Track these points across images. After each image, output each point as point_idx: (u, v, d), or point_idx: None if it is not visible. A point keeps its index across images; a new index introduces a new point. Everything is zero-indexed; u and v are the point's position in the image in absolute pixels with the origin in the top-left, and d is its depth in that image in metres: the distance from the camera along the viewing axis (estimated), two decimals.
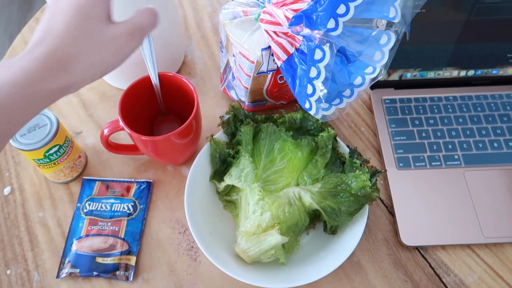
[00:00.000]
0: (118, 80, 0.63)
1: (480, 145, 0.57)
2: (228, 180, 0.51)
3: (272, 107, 0.62)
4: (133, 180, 0.57)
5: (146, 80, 0.53)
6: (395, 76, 0.61)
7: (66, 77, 0.32)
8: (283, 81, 0.55)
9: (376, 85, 0.62)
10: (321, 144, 0.52)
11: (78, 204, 0.55)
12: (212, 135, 0.53)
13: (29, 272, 0.51)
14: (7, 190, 0.56)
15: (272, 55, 0.49)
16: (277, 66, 0.51)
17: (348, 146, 0.53)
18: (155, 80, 0.52)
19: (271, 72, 0.53)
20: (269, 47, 0.49)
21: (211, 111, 0.63)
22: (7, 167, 0.58)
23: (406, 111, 0.61)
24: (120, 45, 0.34)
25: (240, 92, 0.58)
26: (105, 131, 0.51)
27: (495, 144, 0.57)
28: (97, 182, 0.56)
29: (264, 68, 0.52)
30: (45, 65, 0.30)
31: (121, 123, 0.49)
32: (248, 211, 0.49)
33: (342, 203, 0.48)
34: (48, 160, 0.51)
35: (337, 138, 0.54)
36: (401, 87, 0.63)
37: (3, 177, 0.58)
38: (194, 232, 0.48)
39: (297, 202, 0.48)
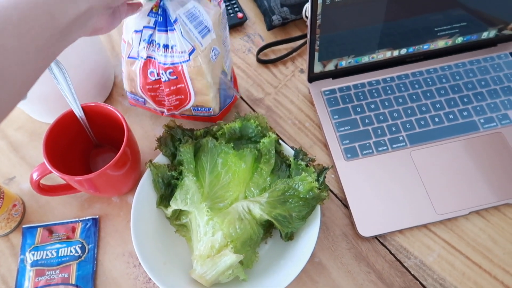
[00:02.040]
0: (45, 115, 0.59)
1: (422, 123, 0.57)
2: (174, 205, 0.49)
3: (155, 112, 0.58)
4: (77, 219, 0.54)
5: (71, 114, 0.49)
6: (330, 66, 0.60)
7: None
8: (154, 78, 0.51)
9: (314, 77, 0.61)
10: (264, 150, 0.50)
11: (22, 256, 0.51)
12: (150, 160, 0.51)
13: None
14: None
15: (145, 40, 0.48)
16: (146, 57, 0.49)
17: (292, 148, 0.52)
18: (79, 113, 0.49)
19: (140, 60, 0.50)
20: (142, 30, 0.48)
21: (150, 131, 0.60)
22: None
23: (347, 100, 0.60)
24: None
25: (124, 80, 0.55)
26: (34, 176, 0.48)
27: (436, 119, 0.57)
28: (38, 228, 0.53)
29: (134, 53, 0.50)
30: None
31: (48, 167, 0.46)
32: (200, 233, 0.47)
33: (293, 209, 0.47)
34: None
35: (280, 141, 0.52)
36: (338, 76, 0.62)
37: None
38: (145, 265, 0.45)
39: (247, 216, 0.47)
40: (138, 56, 0.49)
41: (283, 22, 0.69)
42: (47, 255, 0.51)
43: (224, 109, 0.58)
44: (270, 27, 0.69)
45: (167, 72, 0.50)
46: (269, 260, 0.50)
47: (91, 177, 0.47)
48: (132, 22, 0.48)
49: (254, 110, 0.62)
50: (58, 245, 0.52)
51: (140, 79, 0.51)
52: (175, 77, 0.50)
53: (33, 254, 0.51)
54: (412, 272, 0.49)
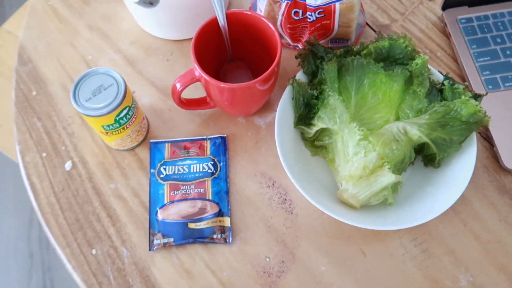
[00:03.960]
0: (166, 30, 0.56)
1: None
2: (320, 123, 0.46)
3: (287, 46, 0.56)
4: (205, 137, 0.52)
5: (213, 23, 0.46)
6: None
7: None
8: (298, 18, 0.50)
9: (448, 3, 0.57)
10: (416, 72, 0.47)
11: (152, 170, 0.50)
12: (294, 77, 0.48)
13: (117, 248, 0.47)
14: (68, 165, 0.51)
15: None
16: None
17: (440, 73, 0.49)
18: (222, 20, 0.46)
19: (286, 1, 0.48)
20: None
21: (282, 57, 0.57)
22: (61, 140, 0.52)
23: (485, 30, 0.56)
24: None
25: None
26: (178, 86, 0.45)
27: None
28: (166, 144, 0.51)
29: None
30: None
31: (199, 72, 0.43)
32: (348, 153, 0.45)
33: (453, 133, 0.44)
34: (118, 125, 0.45)
35: (429, 66, 0.49)
36: (475, 4, 0.57)
37: (60, 151, 0.52)
38: (293, 178, 0.44)
39: (403, 137, 0.44)
40: None
41: None
42: (179, 170, 0.49)
43: (356, 38, 0.55)
44: None
45: (316, 12, 0.48)
46: (412, 187, 0.48)
47: (236, 87, 0.44)
48: None
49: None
50: (189, 161, 0.50)
51: (283, 19, 0.50)
52: (323, 15, 0.48)
53: (165, 169, 0.49)
54: None
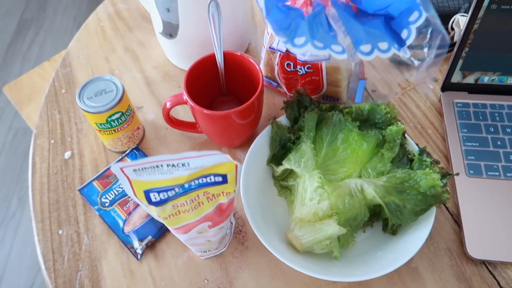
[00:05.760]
0: (182, 60, 0.64)
1: None
2: (287, 164, 0.49)
3: (284, 95, 0.61)
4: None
5: (211, 58, 0.53)
6: (470, 79, 0.57)
7: None
8: (290, 70, 0.54)
9: (448, 86, 0.59)
10: (389, 138, 0.49)
11: (96, 207, 0.52)
12: (274, 117, 0.52)
13: (80, 234, 0.51)
14: (67, 154, 0.58)
15: None
16: (285, 51, 0.52)
17: (417, 145, 0.50)
18: (219, 58, 0.52)
19: (279, 53, 0.53)
20: None
21: (271, 99, 0.62)
22: (70, 133, 0.60)
23: (480, 117, 0.56)
24: None
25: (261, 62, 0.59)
26: (168, 104, 0.51)
27: None
28: (93, 182, 0.54)
29: (274, 45, 0.53)
30: None
31: (185, 96, 0.49)
32: (305, 198, 0.47)
33: (408, 201, 0.44)
34: (109, 126, 0.52)
35: (406, 135, 0.51)
36: (475, 92, 0.58)
37: (66, 141, 0.59)
38: (248, 213, 0.46)
39: (358, 194, 0.45)
40: (276, 48, 0.53)
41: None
42: (117, 191, 0.53)
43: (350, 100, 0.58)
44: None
45: (305, 66, 0.53)
46: (365, 249, 0.48)
47: (216, 115, 0.49)
48: None
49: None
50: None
51: (278, 68, 0.55)
52: (312, 70, 0.53)
53: (105, 198, 0.53)
54: None
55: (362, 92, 0.51)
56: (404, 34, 0.43)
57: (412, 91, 0.62)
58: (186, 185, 0.37)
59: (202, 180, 0.38)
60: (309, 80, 0.55)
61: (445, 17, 0.66)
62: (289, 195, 0.50)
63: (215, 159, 0.37)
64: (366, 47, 0.42)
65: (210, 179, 0.38)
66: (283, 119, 0.54)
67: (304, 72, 0.54)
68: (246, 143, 0.57)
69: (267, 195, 0.51)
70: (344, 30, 0.43)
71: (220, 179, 0.38)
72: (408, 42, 0.43)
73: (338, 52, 0.42)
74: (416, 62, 0.43)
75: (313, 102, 0.53)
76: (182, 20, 0.56)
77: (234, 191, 0.42)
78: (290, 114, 0.53)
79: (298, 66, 0.53)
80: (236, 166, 0.40)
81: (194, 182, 0.38)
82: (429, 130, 0.58)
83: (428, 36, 0.41)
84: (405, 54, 0.43)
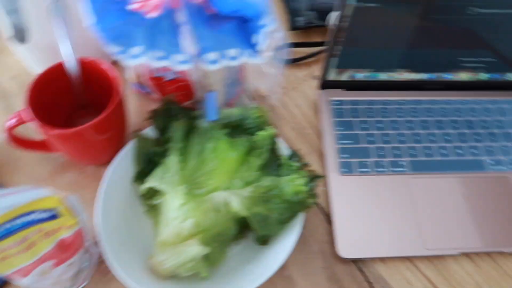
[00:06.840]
0: (40, 68, 0.57)
1: (428, 152, 0.54)
2: (150, 181, 0.46)
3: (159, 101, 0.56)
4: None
5: (62, 67, 0.47)
6: (346, 76, 0.57)
7: None
8: (158, 75, 0.50)
9: (326, 84, 0.58)
10: (258, 144, 0.47)
11: None
12: (137, 130, 0.48)
13: None
14: None
15: None
16: None
17: (291, 148, 0.49)
18: (72, 65, 0.47)
19: None
20: None
21: (144, 106, 0.57)
22: None
23: (354, 114, 0.57)
24: None
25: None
26: (10, 122, 0.45)
27: (443, 151, 0.54)
28: None
29: None
30: None
31: (28, 113, 0.43)
32: (169, 217, 0.44)
33: (273, 210, 0.43)
34: None
35: (277, 139, 0.49)
36: (351, 89, 0.59)
37: None
38: (105, 239, 0.42)
39: (223, 208, 0.43)
40: None
41: (307, 26, 0.66)
42: None
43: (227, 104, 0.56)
44: (292, 27, 0.67)
45: (171, 71, 0.48)
46: (238, 262, 0.46)
47: (67, 133, 0.44)
48: None
49: None
50: None
51: (144, 74, 0.51)
52: (180, 75, 0.49)
53: None
54: None
55: (214, 106, 0.47)
56: (255, 39, 0.41)
57: (293, 91, 0.61)
58: (8, 225, 0.33)
59: (25, 219, 0.33)
60: (178, 86, 0.51)
61: (326, 13, 0.66)
62: (156, 216, 0.47)
63: (32, 195, 0.32)
64: (213, 55, 0.39)
65: (36, 216, 0.34)
66: (151, 131, 0.50)
67: (172, 78, 0.50)
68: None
69: (136, 218, 0.47)
70: (193, 37, 0.40)
71: (47, 214, 0.34)
72: (260, 47, 0.41)
73: (181, 61, 0.39)
74: (268, 68, 0.41)
75: (182, 111, 0.50)
76: (31, 23, 0.50)
77: (77, 222, 0.38)
78: (158, 125, 0.50)
79: (164, 72, 0.49)
80: (63, 198, 0.35)
81: (16, 222, 0.33)
82: (308, 130, 0.57)
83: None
84: (257, 61, 0.41)
